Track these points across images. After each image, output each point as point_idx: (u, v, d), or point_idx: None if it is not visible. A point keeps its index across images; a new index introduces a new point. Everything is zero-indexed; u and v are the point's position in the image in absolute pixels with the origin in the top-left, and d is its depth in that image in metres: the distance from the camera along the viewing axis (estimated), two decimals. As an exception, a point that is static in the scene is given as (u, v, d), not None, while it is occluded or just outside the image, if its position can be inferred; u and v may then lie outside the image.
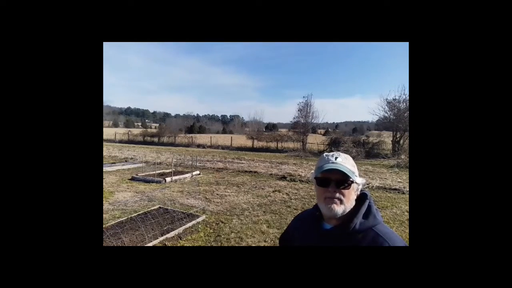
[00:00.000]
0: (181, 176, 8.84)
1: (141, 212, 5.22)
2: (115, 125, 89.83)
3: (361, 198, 1.00)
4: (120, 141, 28.87)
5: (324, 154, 1.03)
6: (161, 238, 3.93)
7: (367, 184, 7.86)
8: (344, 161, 0.97)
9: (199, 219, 4.84)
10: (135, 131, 37.01)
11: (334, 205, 0.93)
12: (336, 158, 0.98)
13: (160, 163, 12.13)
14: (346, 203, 0.94)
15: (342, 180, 0.94)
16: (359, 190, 1.00)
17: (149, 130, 39.56)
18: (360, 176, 1.01)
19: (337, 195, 0.94)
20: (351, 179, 0.93)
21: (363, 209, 0.96)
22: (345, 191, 0.94)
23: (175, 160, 12.71)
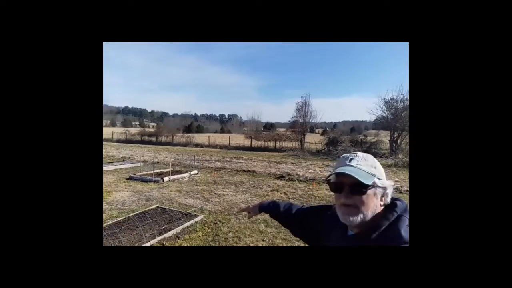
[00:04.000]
0: (179, 176, 8.82)
1: (139, 211, 5.20)
2: (113, 124, 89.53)
3: (391, 207, 0.87)
4: (118, 141, 28.76)
5: (343, 155, 0.95)
6: (159, 238, 3.93)
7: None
8: (360, 163, 0.87)
9: (197, 219, 4.84)
10: (133, 130, 36.95)
11: (349, 213, 0.84)
12: (351, 159, 0.89)
13: (158, 162, 12.10)
14: (364, 211, 0.83)
15: (356, 184, 0.83)
16: (389, 195, 0.88)
17: (146, 129, 39.55)
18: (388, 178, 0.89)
19: (351, 201, 0.84)
20: (365, 184, 0.82)
21: (386, 222, 0.83)
22: (362, 197, 0.83)
23: (173, 159, 12.68)
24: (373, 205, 0.85)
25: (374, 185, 0.84)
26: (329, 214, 1.09)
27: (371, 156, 0.92)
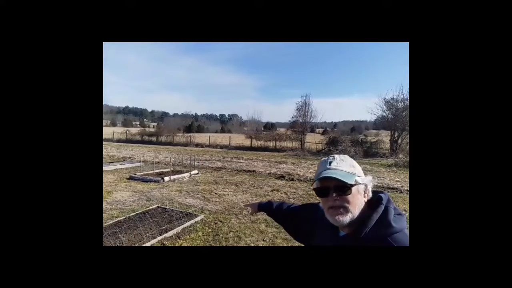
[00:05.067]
0: (180, 176, 8.82)
1: (139, 211, 5.20)
2: (113, 124, 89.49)
3: (376, 202, 0.89)
4: (118, 140, 28.76)
5: (322, 159, 0.96)
6: (159, 238, 3.93)
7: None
8: (339, 164, 0.89)
9: (198, 219, 4.84)
10: (133, 130, 36.97)
11: (339, 215, 0.85)
12: (330, 163, 0.90)
13: (158, 162, 12.10)
14: (352, 210, 0.85)
15: (341, 186, 0.85)
16: (370, 191, 0.92)
17: (147, 129, 39.60)
18: (366, 174, 0.93)
19: (339, 203, 0.86)
20: (349, 183, 0.85)
21: (375, 216, 0.85)
22: (348, 197, 0.85)
23: (173, 159, 12.68)
24: (359, 202, 0.88)
25: (356, 183, 0.87)
26: (320, 215, 1.10)
27: (347, 156, 0.95)
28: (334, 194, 0.86)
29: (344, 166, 0.90)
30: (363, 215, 0.87)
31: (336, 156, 0.94)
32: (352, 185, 0.86)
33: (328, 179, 0.86)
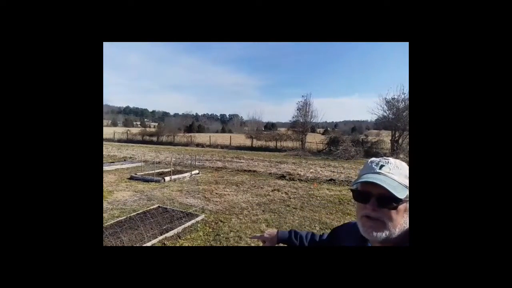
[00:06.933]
0: (180, 175, 8.83)
1: (140, 211, 5.22)
2: (114, 124, 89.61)
3: None
4: (119, 140, 28.81)
5: (370, 160, 0.83)
6: (160, 237, 3.94)
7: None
8: (392, 171, 0.75)
9: (198, 218, 4.85)
10: (134, 130, 37.04)
11: (374, 227, 0.72)
12: (381, 166, 0.76)
13: (159, 162, 12.12)
14: (391, 227, 0.71)
15: (387, 197, 0.71)
16: None
17: (148, 129, 39.68)
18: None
19: (378, 215, 0.72)
20: (399, 197, 0.70)
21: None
22: (391, 212, 0.71)
23: (174, 159, 12.69)
24: (403, 222, 0.74)
25: (407, 199, 0.73)
26: (340, 235, 1.00)
27: (404, 164, 0.79)
28: (376, 204, 0.73)
29: (398, 175, 0.75)
30: (403, 236, 0.74)
31: (392, 160, 0.80)
32: (401, 201, 0.71)
33: (373, 185, 0.72)
